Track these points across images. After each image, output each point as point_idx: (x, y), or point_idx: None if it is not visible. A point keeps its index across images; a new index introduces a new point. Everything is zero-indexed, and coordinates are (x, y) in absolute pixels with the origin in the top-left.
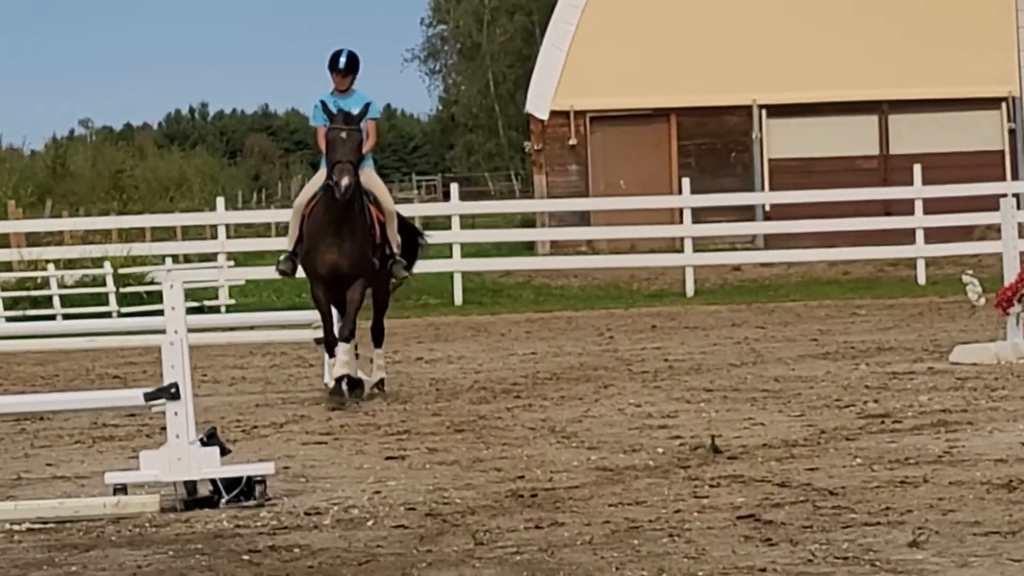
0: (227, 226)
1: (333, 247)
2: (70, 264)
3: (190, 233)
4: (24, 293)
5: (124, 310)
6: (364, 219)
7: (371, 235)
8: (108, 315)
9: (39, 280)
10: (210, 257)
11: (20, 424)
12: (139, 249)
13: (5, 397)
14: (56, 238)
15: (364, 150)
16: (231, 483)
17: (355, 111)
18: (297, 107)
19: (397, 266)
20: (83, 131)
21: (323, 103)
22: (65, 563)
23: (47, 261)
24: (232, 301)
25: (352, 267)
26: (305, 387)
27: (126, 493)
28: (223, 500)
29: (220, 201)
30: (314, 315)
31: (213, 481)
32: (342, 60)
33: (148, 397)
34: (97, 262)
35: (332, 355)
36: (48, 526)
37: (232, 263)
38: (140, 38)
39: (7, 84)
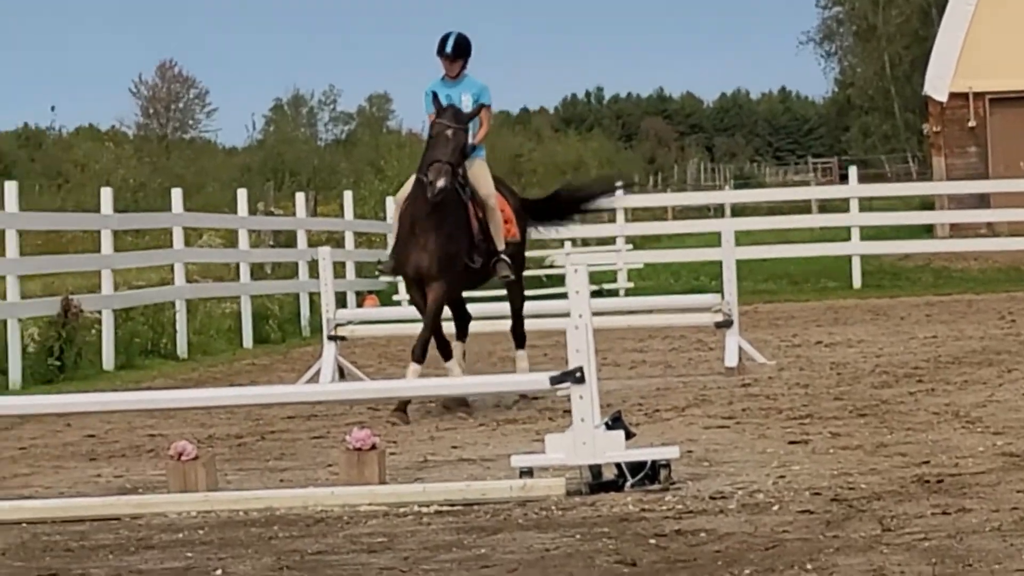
0: (625, 209)
1: (420, 246)
2: None
3: (588, 216)
4: None
5: (525, 293)
6: (457, 216)
7: (466, 233)
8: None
9: None
10: (608, 240)
11: (425, 406)
12: (536, 232)
13: (412, 380)
14: None
15: (475, 141)
16: (636, 467)
17: (467, 105)
18: (692, 90)
19: (501, 265)
20: None
21: (434, 92)
22: (474, 545)
23: None
24: (631, 284)
25: (435, 267)
26: (705, 370)
27: (532, 476)
28: (628, 484)
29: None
30: (714, 299)
31: (618, 465)
32: (449, 44)
33: (554, 381)
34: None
35: (447, 359)
36: (456, 508)
37: (630, 246)
38: (537, 25)
39: (400, 71)
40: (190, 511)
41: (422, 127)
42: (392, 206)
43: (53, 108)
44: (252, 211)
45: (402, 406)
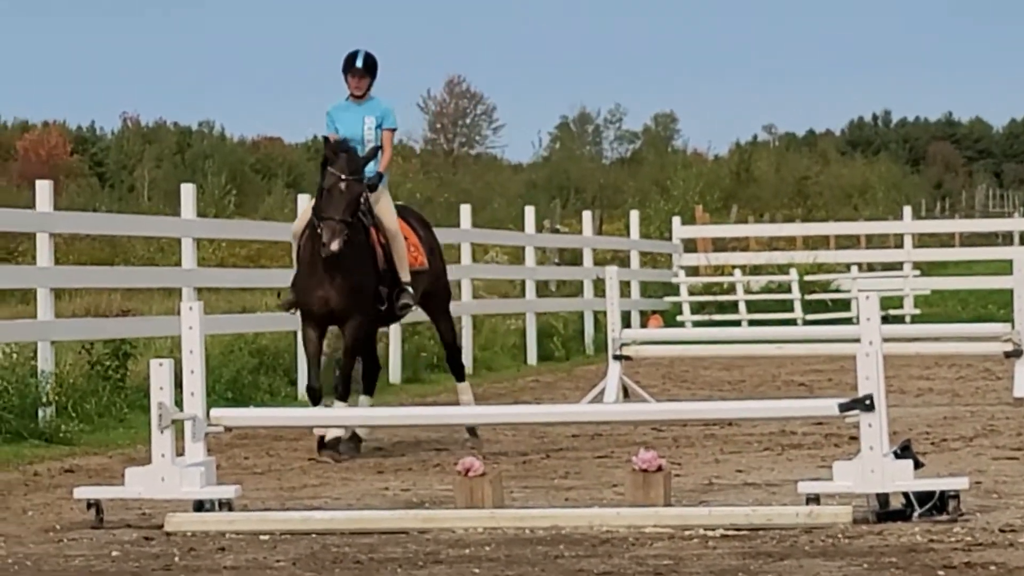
0: (912, 235)
1: (324, 280)
2: (755, 270)
3: (873, 241)
4: (711, 298)
5: (809, 317)
6: (360, 246)
7: (372, 262)
8: (793, 322)
9: (725, 285)
10: (894, 266)
11: (709, 429)
12: (824, 256)
13: (697, 403)
14: (741, 243)
15: (380, 167)
16: (924, 497)
17: (370, 127)
18: (981, 115)
19: (403, 295)
20: (766, 136)
21: (331, 127)
22: (760, 571)
23: (733, 267)
24: (917, 311)
25: (344, 301)
26: (993, 400)
27: (819, 503)
28: (915, 514)
29: (907, 210)
30: (1003, 328)
31: (905, 494)
32: (359, 60)
33: (843, 408)
34: (783, 268)
35: (315, 404)
36: (741, 533)
37: (918, 272)
38: (825, 47)
39: (686, 90)
40: (477, 527)
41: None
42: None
43: None
44: (538, 228)
45: (333, 443)
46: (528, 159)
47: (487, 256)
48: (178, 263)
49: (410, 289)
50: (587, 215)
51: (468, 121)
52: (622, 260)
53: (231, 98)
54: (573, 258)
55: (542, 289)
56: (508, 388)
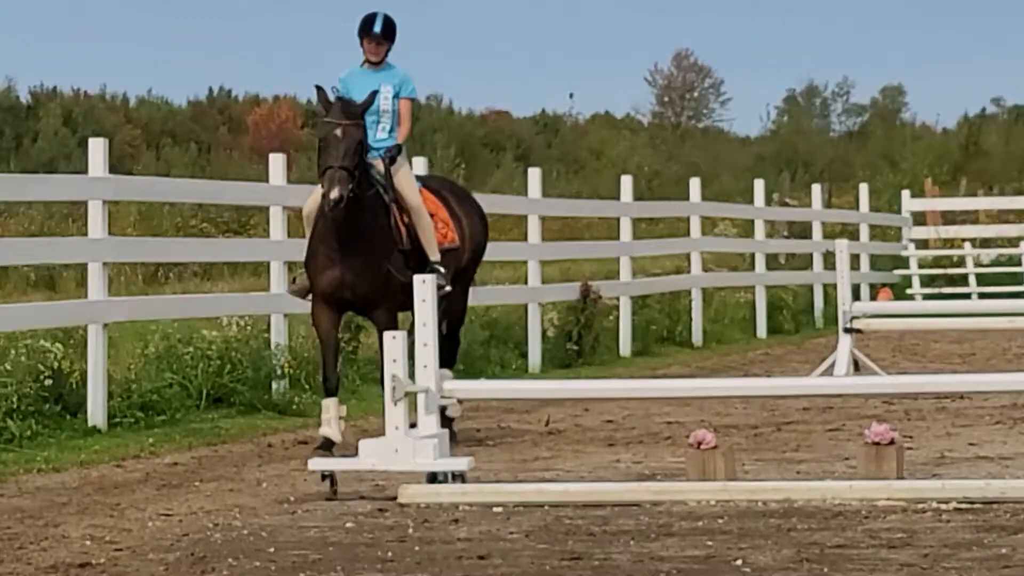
0: None
1: (337, 260)
2: (985, 243)
3: None
4: (940, 271)
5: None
6: (379, 224)
7: (390, 244)
8: (1022, 295)
9: (955, 259)
10: None
11: (940, 402)
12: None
13: (929, 376)
14: (971, 216)
15: (399, 138)
16: None
17: (387, 97)
18: None
19: (436, 276)
20: (995, 109)
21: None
22: (994, 544)
23: (963, 240)
24: None
25: (363, 286)
26: None
27: None
28: None
29: None
30: None
31: None
32: (377, 24)
33: None
34: (1013, 242)
35: (328, 396)
36: (974, 506)
37: None
38: None
39: (914, 63)
40: (709, 499)
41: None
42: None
43: (572, 95)
44: (767, 201)
45: (327, 444)
46: (756, 132)
47: (716, 229)
48: None
49: (441, 268)
50: (816, 188)
51: (695, 94)
52: (851, 233)
53: (459, 72)
54: (802, 231)
55: (771, 262)
56: (738, 361)
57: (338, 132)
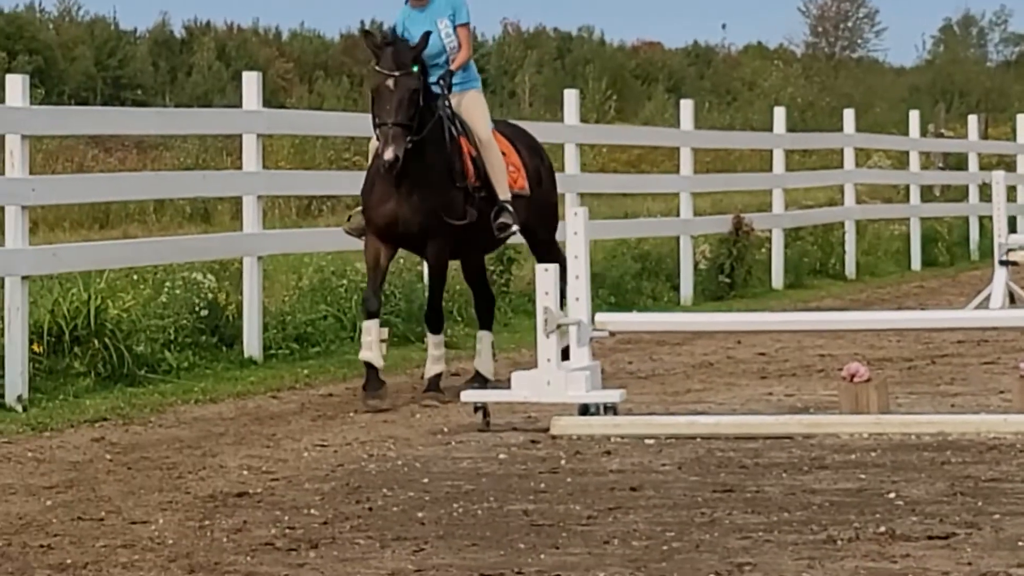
0: None
1: (394, 194)
2: None
3: None
4: None
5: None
6: (443, 158)
7: (452, 178)
8: None
9: None
10: None
11: None
12: None
13: None
14: None
15: (454, 66)
16: None
17: (445, 31)
18: None
19: (502, 213)
20: None
21: (403, 25)
22: None
23: None
24: None
25: (418, 218)
26: None
27: None
28: None
29: None
30: None
31: None
32: None
33: None
34: None
35: (368, 317)
36: None
37: None
38: None
39: None
40: (862, 432)
41: None
42: None
43: (724, 26)
44: (922, 133)
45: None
46: (911, 63)
47: (870, 161)
48: (560, 169)
49: (510, 208)
50: (972, 119)
51: (850, 24)
52: (1008, 165)
53: (611, 3)
54: (958, 163)
55: (926, 194)
56: (892, 294)
57: (390, 83)
